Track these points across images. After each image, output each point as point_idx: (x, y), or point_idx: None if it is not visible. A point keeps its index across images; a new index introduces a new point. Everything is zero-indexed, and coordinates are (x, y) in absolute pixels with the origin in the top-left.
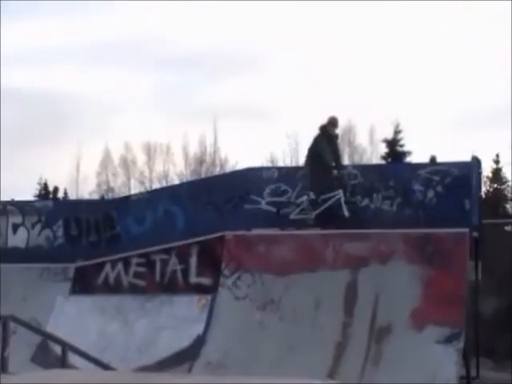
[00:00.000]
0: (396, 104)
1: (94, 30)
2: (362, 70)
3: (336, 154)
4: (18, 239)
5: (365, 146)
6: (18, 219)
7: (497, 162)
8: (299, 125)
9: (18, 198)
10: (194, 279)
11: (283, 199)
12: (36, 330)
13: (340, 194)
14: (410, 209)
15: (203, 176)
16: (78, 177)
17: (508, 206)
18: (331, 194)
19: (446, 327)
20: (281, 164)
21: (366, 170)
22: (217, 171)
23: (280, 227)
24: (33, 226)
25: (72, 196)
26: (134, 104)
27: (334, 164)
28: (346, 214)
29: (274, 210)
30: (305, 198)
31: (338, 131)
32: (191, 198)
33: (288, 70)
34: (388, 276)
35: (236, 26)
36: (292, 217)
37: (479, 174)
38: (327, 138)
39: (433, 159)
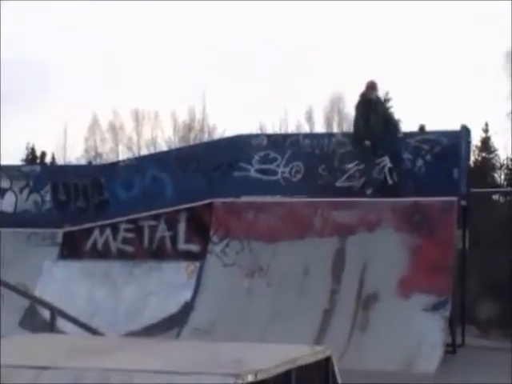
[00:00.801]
0: (385, 72)
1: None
2: (354, 40)
3: (387, 117)
4: (6, 204)
5: None
6: (5, 184)
7: (486, 131)
8: (288, 95)
9: (5, 162)
10: (182, 246)
11: (272, 166)
12: (24, 294)
13: (386, 160)
14: (399, 177)
15: (192, 143)
16: (66, 142)
17: (496, 175)
18: (377, 161)
19: (433, 295)
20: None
21: None
22: (205, 138)
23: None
24: (20, 190)
25: (60, 161)
26: (123, 70)
27: (374, 130)
28: (390, 181)
29: (263, 177)
30: (352, 164)
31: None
32: (179, 164)
33: (279, 41)
34: (376, 244)
35: None
36: (338, 184)
37: (468, 143)
38: (368, 104)
39: (422, 128)
